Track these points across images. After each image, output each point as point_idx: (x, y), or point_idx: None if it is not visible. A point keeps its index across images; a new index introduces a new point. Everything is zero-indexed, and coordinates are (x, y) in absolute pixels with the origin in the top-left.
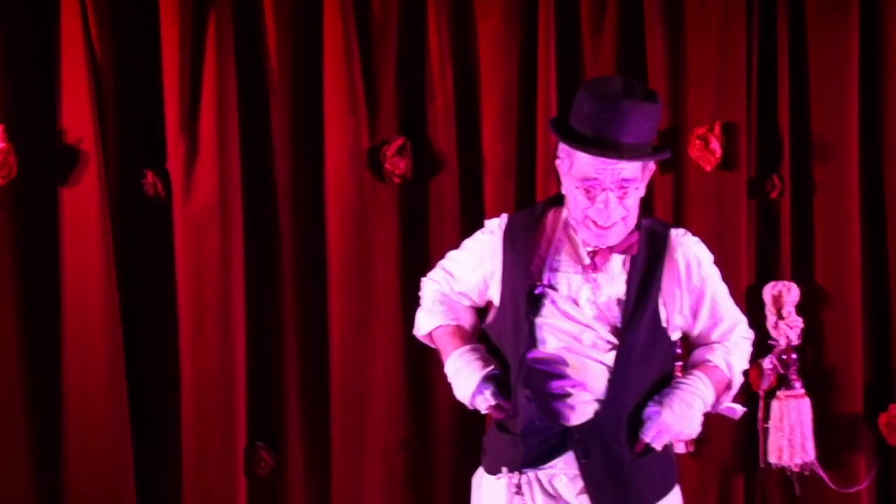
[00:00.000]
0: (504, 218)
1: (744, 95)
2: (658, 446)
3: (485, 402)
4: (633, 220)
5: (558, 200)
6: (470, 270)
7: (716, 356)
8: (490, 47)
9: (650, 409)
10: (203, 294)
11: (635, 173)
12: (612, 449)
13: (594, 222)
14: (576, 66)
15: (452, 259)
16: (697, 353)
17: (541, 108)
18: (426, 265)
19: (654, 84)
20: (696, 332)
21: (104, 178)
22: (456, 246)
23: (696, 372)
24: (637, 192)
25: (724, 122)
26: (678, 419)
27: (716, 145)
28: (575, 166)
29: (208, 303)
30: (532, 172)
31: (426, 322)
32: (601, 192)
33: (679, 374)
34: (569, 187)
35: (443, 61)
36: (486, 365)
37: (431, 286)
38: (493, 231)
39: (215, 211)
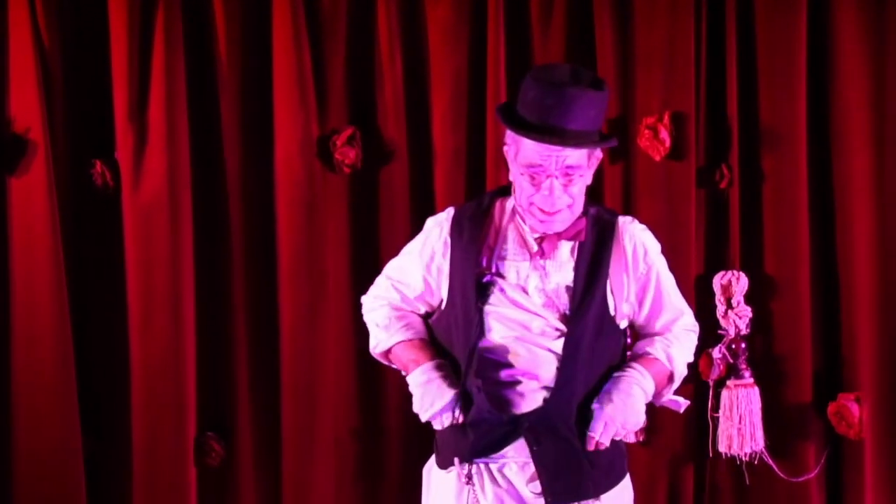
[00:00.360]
0: (451, 211)
1: (692, 85)
2: (606, 441)
3: (449, 421)
4: (579, 208)
5: (505, 191)
6: (422, 270)
7: (655, 348)
8: (439, 36)
9: (594, 405)
10: (152, 284)
11: (580, 160)
12: (563, 436)
13: (540, 209)
14: (525, 54)
15: (398, 268)
16: (637, 346)
17: (490, 96)
18: (376, 255)
19: (603, 73)
20: (640, 320)
21: (52, 167)
22: (406, 234)
23: (634, 364)
24: (582, 180)
25: (672, 112)
26: (621, 410)
27: (665, 135)
28: (520, 153)
29: (158, 292)
30: (482, 161)
31: (385, 339)
32: (546, 178)
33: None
34: (515, 174)
35: (392, 50)
36: (453, 383)
37: (379, 303)
38: (440, 223)
39: (164, 200)
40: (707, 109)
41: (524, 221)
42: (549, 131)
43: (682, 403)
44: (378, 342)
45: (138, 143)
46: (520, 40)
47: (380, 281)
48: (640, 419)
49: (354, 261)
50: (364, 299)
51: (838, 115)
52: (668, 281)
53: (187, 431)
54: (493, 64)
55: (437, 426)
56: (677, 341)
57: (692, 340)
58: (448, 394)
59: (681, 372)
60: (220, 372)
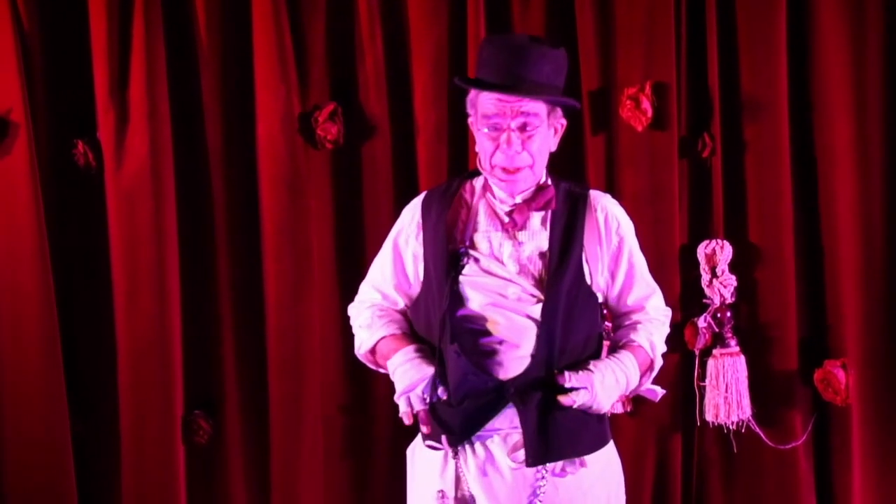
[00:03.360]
0: (421, 195)
1: (673, 55)
2: (576, 401)
3: (417, 401)
4: (540, 168)
5: (472, 174)
6: (398, 256)
7: (639, 336)
8: (419, 9)
9: (588, 366)
10: (137, 263)
11: (536, 109)
12: (546, 398)
13: (502, 168)
14: (505, 27)
15: (374, 268)
16: (620, 333)
17: (471, 69)
18: (360, 230)
19: (584, 45)
20: (613, 295)
21: (34, 148)
22: (389, 209)
23: (624, 352)
24: (540, 136)
25: (654, 82)
26: (601, 392)
27: (647, 105)
28: (478, 110)
29: (142, 271)
30: (464, 135)
31: (368, 336)
32: (504, 132)
33: (607, 332)
34: (478, 139)
35: (372, 25)
36: (431, 363)
37: (363, 307)
38: (412, 209)
39: (147, 179)
40: (688, 79)
41: (493, 195)
42: (503, 79)
43: (659, 392)
44: (361, 342)
45: (120, 122)
46: (500, 13)
47: (362, 287)
48: (606, 407)
49: (338, 236)
50: (350, 309)
51: (819, 83)
52: (640, 258)
53: (175, 410)
54: (474, 37)
55: (403, 406)
56: (657, 331)
57: (667, 329)
58: (424, 371)
59: (659, 362)
60: (207, 350)
